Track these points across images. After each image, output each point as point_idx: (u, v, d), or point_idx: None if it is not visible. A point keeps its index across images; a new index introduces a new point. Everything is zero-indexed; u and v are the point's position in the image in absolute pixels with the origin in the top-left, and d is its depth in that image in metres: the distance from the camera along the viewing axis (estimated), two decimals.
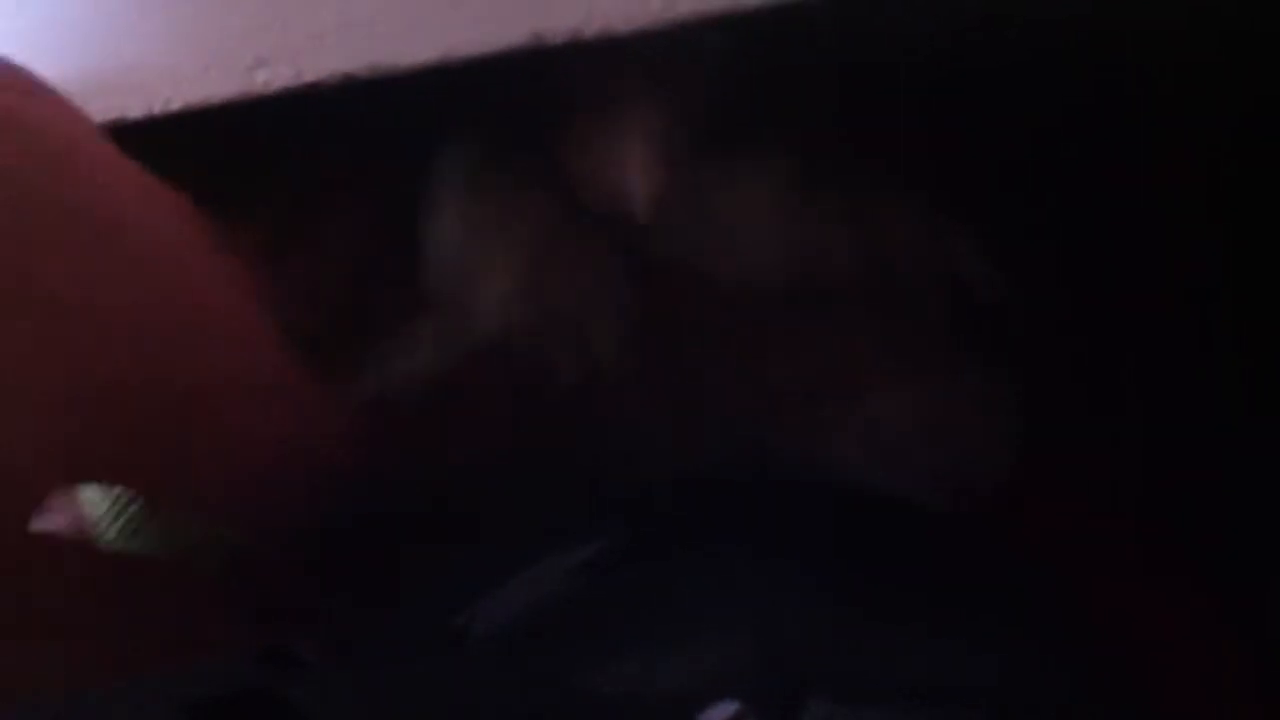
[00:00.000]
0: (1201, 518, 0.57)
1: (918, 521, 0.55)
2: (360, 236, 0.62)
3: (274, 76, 0.60)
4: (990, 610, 0.51)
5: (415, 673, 0.47)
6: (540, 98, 0.61)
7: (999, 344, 0.59)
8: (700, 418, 0.60)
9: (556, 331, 0.60)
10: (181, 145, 0.61)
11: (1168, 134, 0.61)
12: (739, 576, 0.50)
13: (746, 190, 0.60)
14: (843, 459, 0.58)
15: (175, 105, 0.60)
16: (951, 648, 0.49)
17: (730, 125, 0.61)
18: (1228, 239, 0.60)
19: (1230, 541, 0.56)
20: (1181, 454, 0.58)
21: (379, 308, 0.62)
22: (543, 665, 0.48)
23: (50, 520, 0.47)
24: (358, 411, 0.58)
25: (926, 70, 0.60)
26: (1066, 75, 0.60)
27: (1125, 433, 0.58)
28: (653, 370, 0.59)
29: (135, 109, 0.61)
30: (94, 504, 0.47)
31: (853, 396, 0.59)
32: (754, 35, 0.60)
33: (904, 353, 0.59)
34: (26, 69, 0.56)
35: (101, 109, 0.60)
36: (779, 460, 0.57)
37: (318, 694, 0.46)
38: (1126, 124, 0.61)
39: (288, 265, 0.61)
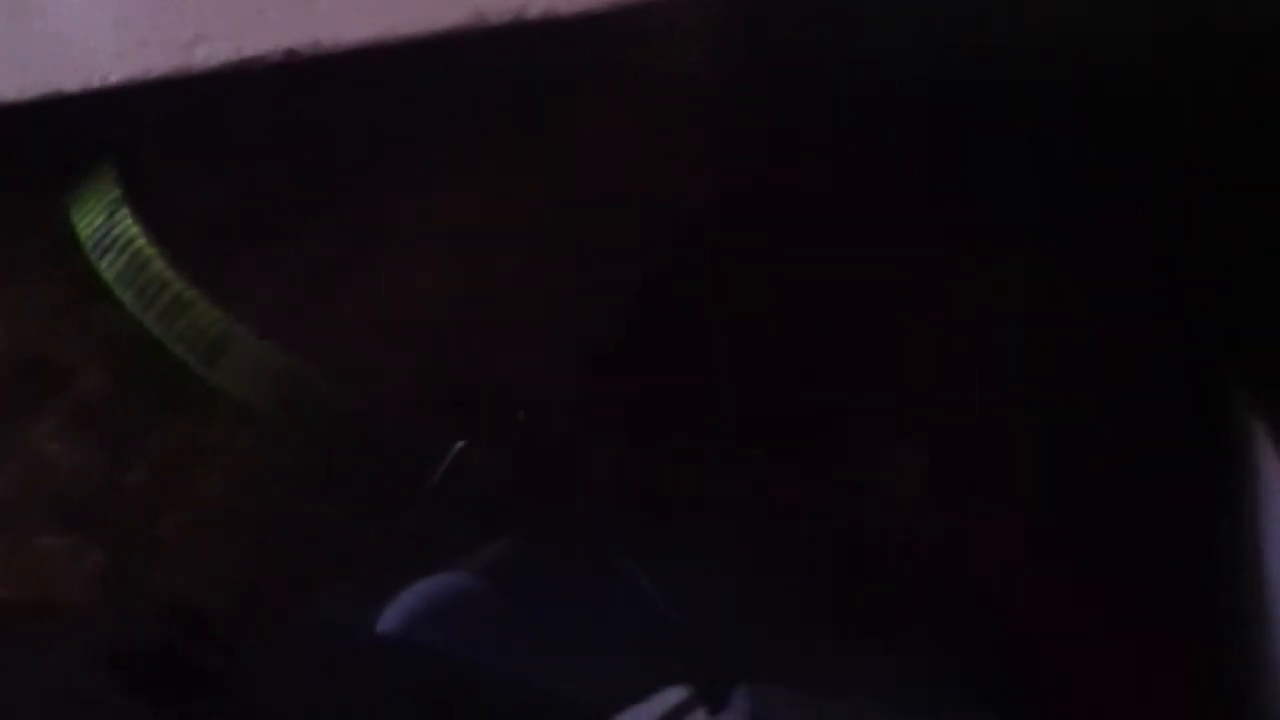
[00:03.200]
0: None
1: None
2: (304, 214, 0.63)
3: (214, 52, 0.59)
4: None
5: (325, 653, 0.49)
6: (480, 78, 0.61)
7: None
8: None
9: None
10: (117, 120, 0.59)
11: None
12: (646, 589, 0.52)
13: None
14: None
15: (113, 79, 0.58)
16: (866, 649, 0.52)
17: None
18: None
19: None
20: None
21: None
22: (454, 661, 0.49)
23: None
24: None
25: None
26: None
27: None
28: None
29: (71, 83, 0.58)
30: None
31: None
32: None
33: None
34: None
35: (36, 82, 0.58)
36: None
37: (225, 657, 0.47)
38: None
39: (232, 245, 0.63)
